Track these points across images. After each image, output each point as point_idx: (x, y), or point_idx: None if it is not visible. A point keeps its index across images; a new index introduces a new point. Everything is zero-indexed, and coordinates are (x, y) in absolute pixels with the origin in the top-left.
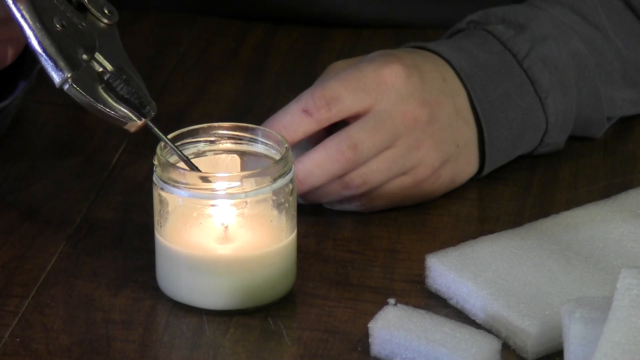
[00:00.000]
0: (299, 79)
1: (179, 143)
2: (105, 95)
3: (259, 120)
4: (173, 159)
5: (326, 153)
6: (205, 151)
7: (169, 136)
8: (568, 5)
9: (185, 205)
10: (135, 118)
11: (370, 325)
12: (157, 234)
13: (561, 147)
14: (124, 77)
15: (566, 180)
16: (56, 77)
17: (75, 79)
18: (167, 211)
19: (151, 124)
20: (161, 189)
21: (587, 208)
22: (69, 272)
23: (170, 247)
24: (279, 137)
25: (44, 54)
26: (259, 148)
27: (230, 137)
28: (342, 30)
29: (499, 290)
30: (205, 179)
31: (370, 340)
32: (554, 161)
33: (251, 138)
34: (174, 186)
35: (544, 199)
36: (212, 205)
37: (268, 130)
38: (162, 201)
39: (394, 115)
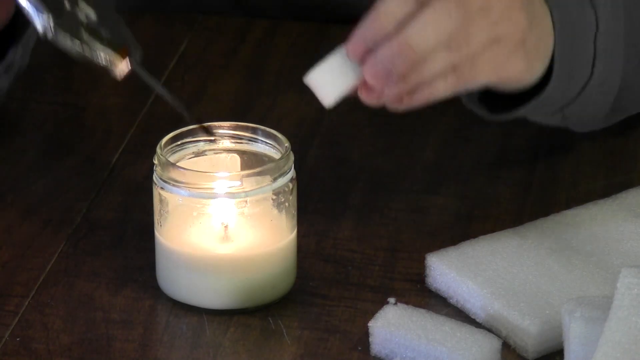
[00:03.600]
0: (300, 78)
1: (179, 143)
2: (90, 40)
3: (259, 120)
4: (173, 158)
5: (434, 11)
6: (205, 151)
7: (169, 136)
8: None
9: (185, 205)
10: (121, 61)
11: (370, 324)
12: (157, 234)
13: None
14: (108, 21)
15: (566, 180)
16: (39, 24)
17: (59, 25)
18: (167, 211)
19: (138, 66)
20: (161, 188)
21: (588, 207)
22: (69, 272)
23: (170, 247)
24: (279, 136)
25: (27, 1)
26: (259, 147)
27: (230, 137)
28: (343, 28)
29: (499, 289)
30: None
31: (370, 340)
32: (554, 161)
33: (251, 137)
34: (174, 185)
35: (544, 198)
36: (212, 205)
37: (268, 129)
38: (162, 201)
39: None
